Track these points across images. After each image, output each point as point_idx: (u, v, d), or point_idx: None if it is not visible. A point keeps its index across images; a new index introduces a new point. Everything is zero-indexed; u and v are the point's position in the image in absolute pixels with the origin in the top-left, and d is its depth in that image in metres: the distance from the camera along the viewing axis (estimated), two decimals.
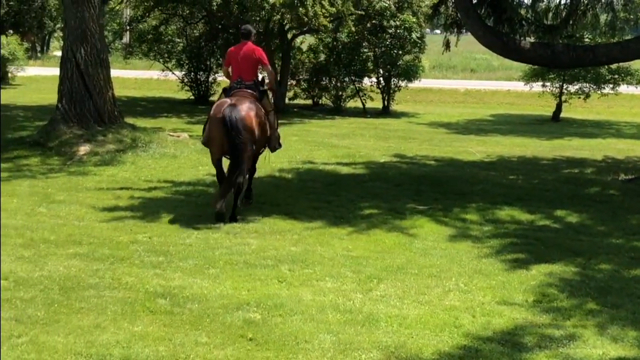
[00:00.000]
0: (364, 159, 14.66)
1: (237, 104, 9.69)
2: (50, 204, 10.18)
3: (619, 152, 17.64)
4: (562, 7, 15.74)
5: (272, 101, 10.97)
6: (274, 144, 10.83)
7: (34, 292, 6.74)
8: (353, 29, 23.01)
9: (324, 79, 26.08)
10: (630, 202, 11.53)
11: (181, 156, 14.29)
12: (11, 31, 32.26)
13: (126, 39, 30.72)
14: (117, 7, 28.31)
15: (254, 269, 7.62)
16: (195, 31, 26.97)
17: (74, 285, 6.94)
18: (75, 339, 5.75)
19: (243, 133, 9.52)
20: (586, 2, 15.61)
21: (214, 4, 23.60)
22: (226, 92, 10.27)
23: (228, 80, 10.64)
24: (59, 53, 22.98)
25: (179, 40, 27.14)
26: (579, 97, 25.63)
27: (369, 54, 25.48)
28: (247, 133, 9.60)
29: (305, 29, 24.33)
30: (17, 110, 22.14)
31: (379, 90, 25.71)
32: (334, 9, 21.66)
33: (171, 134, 16.17)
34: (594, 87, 25.21)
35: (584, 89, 25.31)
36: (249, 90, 10.10)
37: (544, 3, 16.36)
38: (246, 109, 9.68)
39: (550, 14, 15.79)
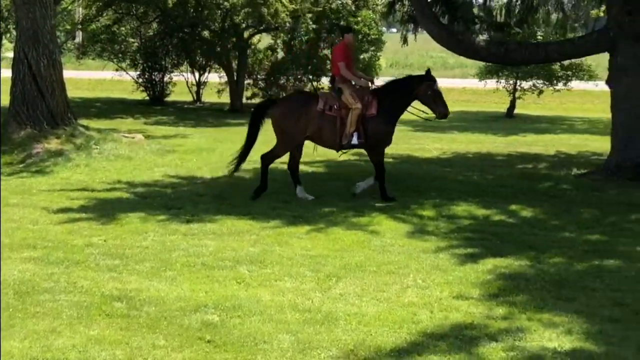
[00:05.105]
0: (323, 157, 14.66)
1: None
2: (3, 207, 10.01)
3: (572, 147, 17.90)
4: (514, 5, 15.94)
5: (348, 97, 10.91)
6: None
7: None
8: (312, 26, 23.11)
9: (281, 78, 26.05)
10: (583, 197, 11.71)
11: (136, 157, 14.19)
12: None
13: (79, 39, 30.35)
14: (70, 7, 27.98)
15: (211, 270, 7.58)
16: (149, 31, 26.78)
17: (29, 290, 6.85)
18: (31, 344, 5.67)
19: None
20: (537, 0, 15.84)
21: (169, 2, 23.48)
22: None
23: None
24: (10, 54, 22.69)
25: (133, 40, 26.91)
26: (532, 93, 25.97)
27: (327, 52, 25.52)
28: None
29: (262, 27, 24.32)
30: None
31: None
32: (293, 5, 21.73)
33: (126, 135, 16.04)
34: (547, 83, 25.56)
35: (537, 85, 25.66)
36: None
37: (496, 2, 16.58)
38: None
39: (503, 12, 15.99)
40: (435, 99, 10.92)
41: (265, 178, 11.16)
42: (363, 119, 10.83)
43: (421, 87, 10.90)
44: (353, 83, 11.03)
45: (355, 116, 10.78)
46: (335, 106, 10.87)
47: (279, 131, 11.11)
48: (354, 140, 10.88)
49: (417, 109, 11.24)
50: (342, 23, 24.42)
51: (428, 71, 11.08)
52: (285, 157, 11.36)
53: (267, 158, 11.27)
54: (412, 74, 11.67)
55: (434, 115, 11.23)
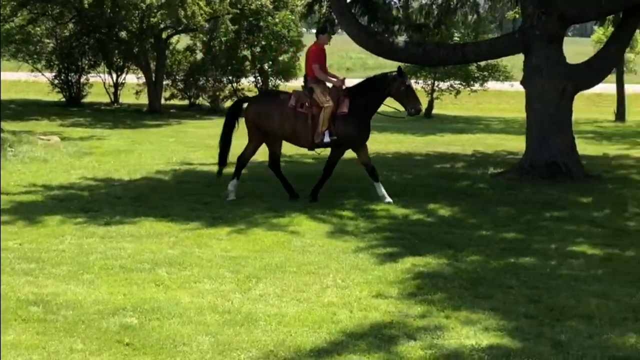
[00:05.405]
0: None
1: None
2: None
3: (488, 147, 18.27)
4: (431, 7, 16.18)
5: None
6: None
7: None
8: (231, 27, 23.05)
9: (200, 79, 25.91)
10: (499, 195, 11.96)
11: (52, 160, 13.93)
12: None
13: None
14: None
15: (130, 273, 7.48)
16: (65, 31, 26.30)
17: None
18: None
19: None
20: (455, 2, 16.12)
21: (85, 3, 23.08)
22: None
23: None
24: None
25: (48, 40, 26.40)
26: (450, 94, 26.40)
27: (246, 53, 25.49)
28: None
29: (180, 28, 24.14)
30: None
31: (257, 90, 25.71)
32: (209, 8, 21.64)
33: (41, 137, 15.73)
34: (464, 84, 26.02)
35: (455, 85, 26.10)
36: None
37: (416, 3, 16.82)
38: None
39: (423, 13, 16.22)
40: (408, 95, 11.11)
41: (283, 179, 11.37)
42: (334, 117, 10.92)
43: (394, 84, 11.04)
44: (330, 85, 11.15)
45: (327, 114, 10.86)
46: (306, 104, 10.96)
47: (255, 129, 11.18)
48: (326, 139, 11.01)
49: (385, 106, 11.47)
50: (260, 23, 24.45)
51: (399, 68, 11.21)
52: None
53: (271, 162, 11.43)
54: (385, 72, 11.70)
55: (405, 112, 11.41)
